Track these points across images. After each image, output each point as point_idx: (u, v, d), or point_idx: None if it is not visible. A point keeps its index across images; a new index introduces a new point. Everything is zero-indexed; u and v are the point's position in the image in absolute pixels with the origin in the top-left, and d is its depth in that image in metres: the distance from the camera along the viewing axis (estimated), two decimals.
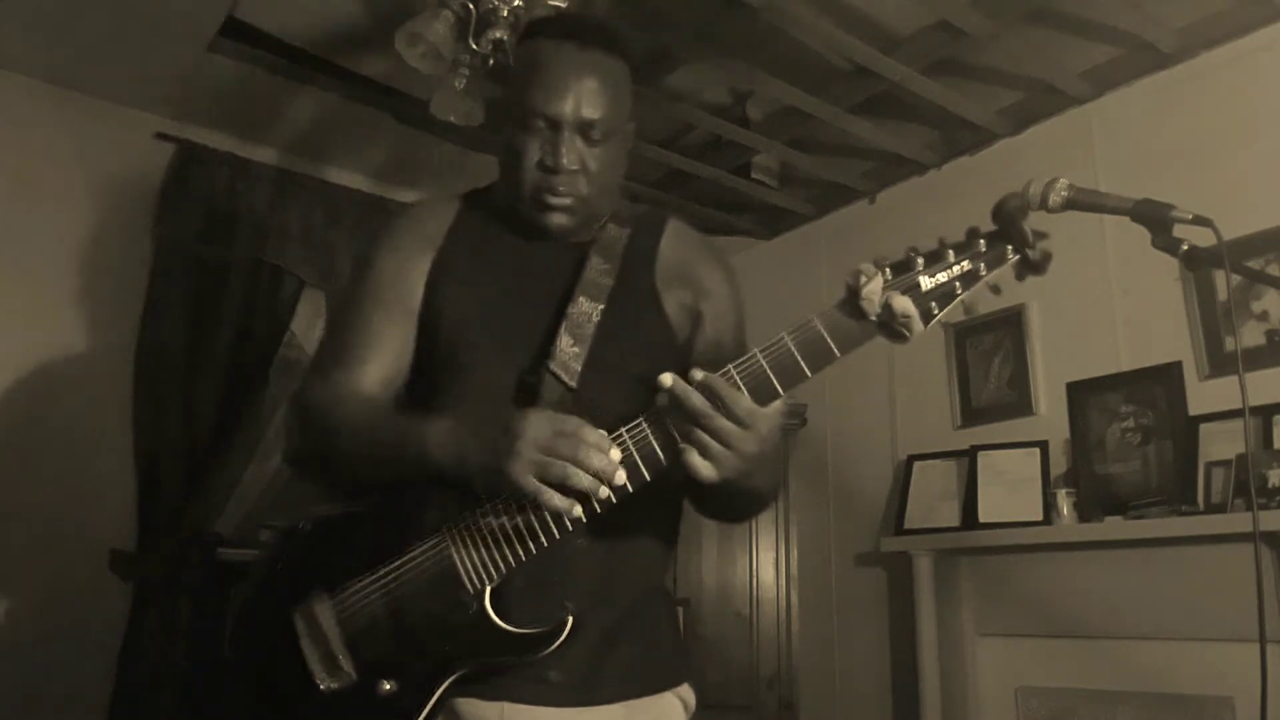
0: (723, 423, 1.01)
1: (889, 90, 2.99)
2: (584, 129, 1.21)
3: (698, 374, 1.03)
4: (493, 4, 2.24)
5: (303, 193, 3.41)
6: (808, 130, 3.31)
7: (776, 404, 1.05)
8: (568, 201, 1.24)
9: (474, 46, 2.27)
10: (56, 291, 2.98)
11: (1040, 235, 1.02)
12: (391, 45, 2.33)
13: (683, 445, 1.03)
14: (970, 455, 3.10)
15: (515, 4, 2.25)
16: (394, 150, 3.49)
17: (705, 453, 1.02)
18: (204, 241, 3.16)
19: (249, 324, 3.21)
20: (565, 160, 1.21)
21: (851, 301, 1.02)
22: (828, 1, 2.63)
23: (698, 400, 1.01)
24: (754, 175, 3.63)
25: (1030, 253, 1.01)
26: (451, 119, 2.46)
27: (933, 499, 3.19)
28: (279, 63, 2.95)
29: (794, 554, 3.56)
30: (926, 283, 1.01)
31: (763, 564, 3.55)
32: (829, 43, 2.77)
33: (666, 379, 1.03)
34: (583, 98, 1.21)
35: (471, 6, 2.26)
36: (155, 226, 3.13)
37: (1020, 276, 1.03)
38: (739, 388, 1.03)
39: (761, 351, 1.05)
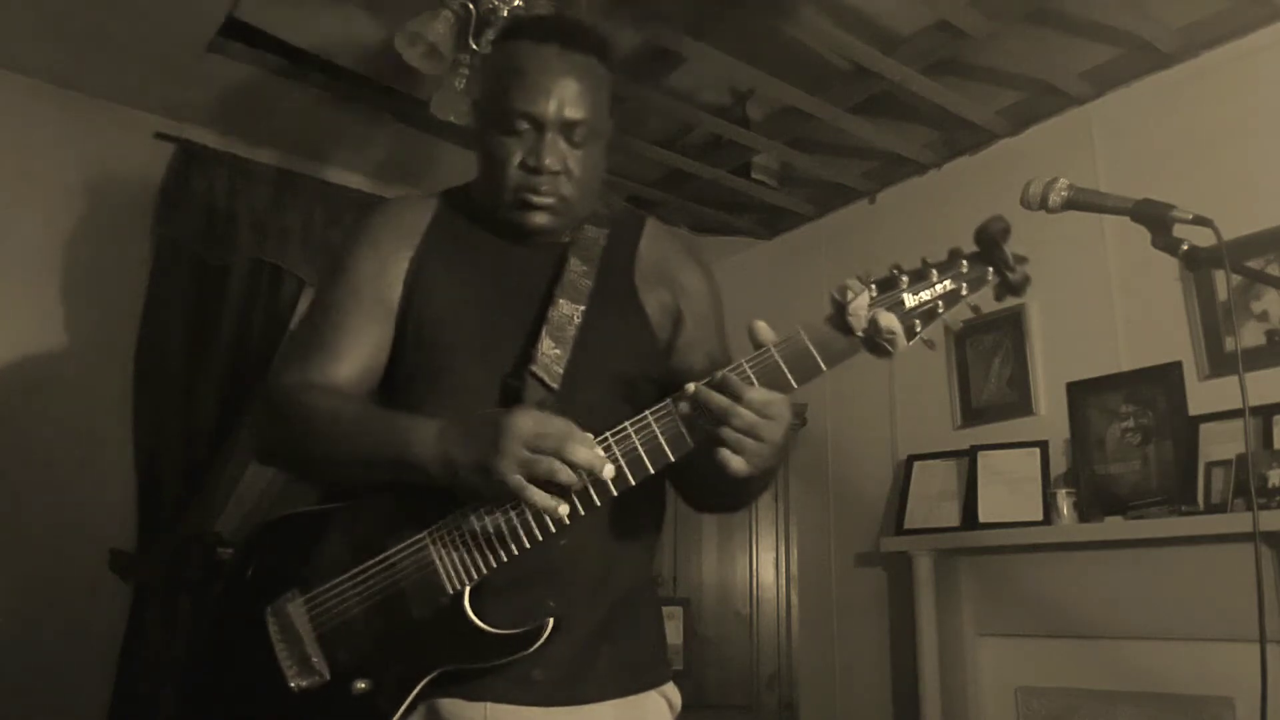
0: (749, 417, 1.02)
1: (889, 90, 2.99)
2: (567, 130, 1.21)
3: (698, 385, 1.05)
4: (493, 4, 2.25)
5: (303, 193, 3.41)
6: (808, 130, 3.31)
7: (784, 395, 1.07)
8: (550, 201, 1.23)
9: (474, 46, 2.28)
10: (56, 291, 2.98)
11: (1021, 259, 1.03)
12: (391, 45, 2.34)
13: (719, 448, 1.03)
14: (970, 455, 3.10)
15: (515, 4, 2.26)
16: (394, 150, 3.49)
17: (738, 449, 1.03)
18: (204, 241, 3.16)
19: (249, 324, 3.21)
20: (548, 161, 1.20)
21: (839, 316, 1.03)
22: (828, 1, 2.63)
23: (721, 399, 1.03)
24: (754, 175, 3.63)
25: (1010, 275, 1.03)
26: (451, 119, 2.46)
27: (933, 499, 3.19)
28: (279, 63, 2.95)
29: (794, 554, 3.56)
30: (910, 300, 1.03)
31: (763, 564, 3.55)
32: (829, 43, 2.77)
33: (690, 388, 1.05)
34: (566, 99, 1.20)
35: (471, 6, 2.26)
36: (155, 226, 3.13)
37: (999, 297, 1.05)
38: (751, 381, 1.04)
39: (749, 363, 1.06)
